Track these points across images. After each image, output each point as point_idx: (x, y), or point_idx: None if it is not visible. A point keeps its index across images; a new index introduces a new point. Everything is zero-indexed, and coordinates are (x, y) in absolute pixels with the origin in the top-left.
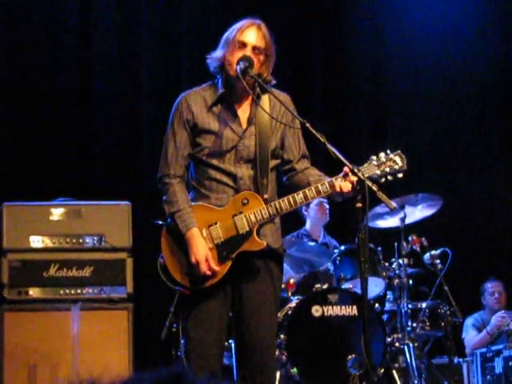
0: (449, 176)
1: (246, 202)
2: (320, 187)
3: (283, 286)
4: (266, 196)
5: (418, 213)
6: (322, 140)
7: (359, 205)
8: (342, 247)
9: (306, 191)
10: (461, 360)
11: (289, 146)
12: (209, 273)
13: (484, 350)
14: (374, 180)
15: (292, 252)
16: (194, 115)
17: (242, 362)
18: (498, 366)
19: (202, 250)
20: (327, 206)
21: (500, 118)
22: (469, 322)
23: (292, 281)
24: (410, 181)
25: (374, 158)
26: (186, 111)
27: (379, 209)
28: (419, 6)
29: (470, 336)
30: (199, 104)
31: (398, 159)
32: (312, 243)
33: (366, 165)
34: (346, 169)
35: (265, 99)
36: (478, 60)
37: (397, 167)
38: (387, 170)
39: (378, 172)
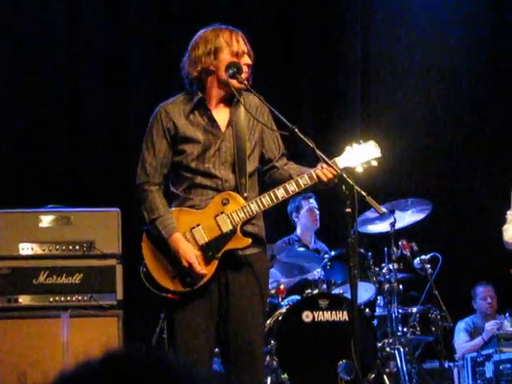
0: (438, 181)
1: (225, 202)
2: (300, 180)
3: (273, 291)
4: (245, 194)
5: (407, 218)
6: (311, 145)
7: (348, 210)
8: (333, 252)
9: (287, 185)
10: (451, 364)
11: (268, 146)
12: (203, 272)
13: (475, 354)
14: (351, 169)
15: (282, 258)
16: (175, 123)
17: (230, 363)
18: (489, 370)
19: (190, 251)
20: (317, 212)
21: (492, 122)
22: (460, 326)
23: (282, 286)
24: (400, 186)
25: (349, 148)
26: (165, 120)
27: (369, 214)
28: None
29: (462, 340)
30: (177, 112)
31: (372, 148)
32: (302, 249)
33: (341, 156)
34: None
35: (243, 100)
36: (468, 65)
37: (372, 155)
38: (363, 158)
39: (355, 161)
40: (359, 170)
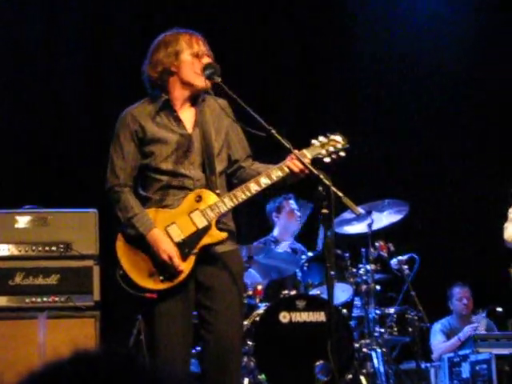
0: (415, 182)
1: (198, 199)
2: (271, 172)
3: (251, 292)
4: (217, 191)
5: (384, 219)
6: (289, 147)
7: (325, 211)
8: (310, 253)
9: (258, 178)
10: (428, 365)
11: (234, 147)
12: (182, 267)
13: (451, 354)
14: (319, 160)
15: (260, 259)
16: (142, 126)
17: (208, 363)
18: (465, 370)
19: (169, 245)
20: (299, 214)
21: (469, 123)
22: (437, 327)
23: (260, 287)
24: (377, 187)
25: (315, 141)
26: (132, 123)
27: (346, 215)
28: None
29: (438, 341)
30: (144, 115)
31: (339, 139)
32: (280, 250)
33: (309, 148)
34: (293, 152)
35: (206, 103)
36: (452, 68)
37: (340, 146)
38: (331, 149)
39: (323, 151)
40: (327, 160)
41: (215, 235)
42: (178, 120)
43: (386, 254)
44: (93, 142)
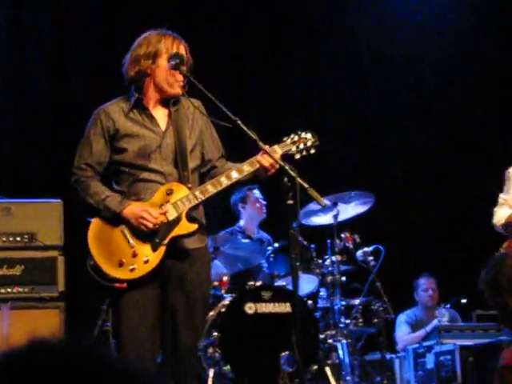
0: (381, 173)
1: (169, 192)
2: (242, 167)
3: (217, 283)
4: (189, 185)
5: (350, 210)
6: (254, 138)
7: (290, 202)
8: (276, 244)
9: (228, 172)
10: (393, 356)
11: (208, 147)
12: (161, 218)
13: (416, 345)
14: (289, 156)
15: (225, 249)
16: (114, 122)
17: (171, 355)
18: (430, 361)
19: (143, 205)
20: (264, 203)
21: (433, 112)
22: (402, 318)
23: (225, 278)
24: (343, 178)
25: (286, 138)
26: (105, 120)
27: (313, 206)
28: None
29: (403, 332)
30: (117, 112)
31: (309, 136)
32: (246, 240)
33: (280, 144)
34: (263, 148)
35: (181, 104)
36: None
37: (310, 143)
38: (301, 146)
39: (294, 148)
40: (297, 156)
41: (186, 227)
42: (151, 117)
43: (351, 246)
44: (57, 131)
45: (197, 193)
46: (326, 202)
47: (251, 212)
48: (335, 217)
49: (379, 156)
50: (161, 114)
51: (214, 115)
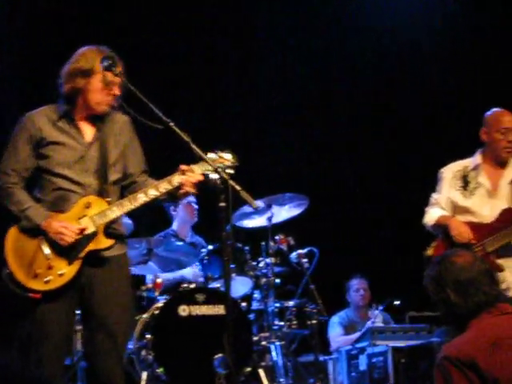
0: (315, 175)
1: (88, 205)
2: (158, 184)
3: (151, 285)
4: (108, 199)
5: (284, 212)
6: (187, 140)
7: (223, 204)
8: (210, 246)
9: (146, 189)
10: (327, 358)
11: (130, 161)
12: (80, 227)
13: (349, 347)
14: (206, 176)
15: (159, 252)
16: (41, 129)
17: (93, 357)
18: (363, 363)
19: (63, 218)
20: (196, 207)
21: (369, 113)
22: (334, 319)
23: (159, 280)
24: (277, 181)
25: (205, 157)
26: (31, 127)
27: (247, 208)
28: None
29: (336, 333)
30: (44, 120)
31: (229, 157)
32: (180, 243)
33: (198, 163)
34: (181, 167)
35: (109, 118)
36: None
37: (228, 163)
38: (219, 166)
39: (211, 168)
40: (215, 176)
41: (102, 242)
42: (78, 128)
43: (285, 248)
44: None
45: (114, 208)
46: (258, 204)
47: (183, 215)
48: (269, 219)
49: (313, 158)
50: (88, 127)
51: (148, 119)
